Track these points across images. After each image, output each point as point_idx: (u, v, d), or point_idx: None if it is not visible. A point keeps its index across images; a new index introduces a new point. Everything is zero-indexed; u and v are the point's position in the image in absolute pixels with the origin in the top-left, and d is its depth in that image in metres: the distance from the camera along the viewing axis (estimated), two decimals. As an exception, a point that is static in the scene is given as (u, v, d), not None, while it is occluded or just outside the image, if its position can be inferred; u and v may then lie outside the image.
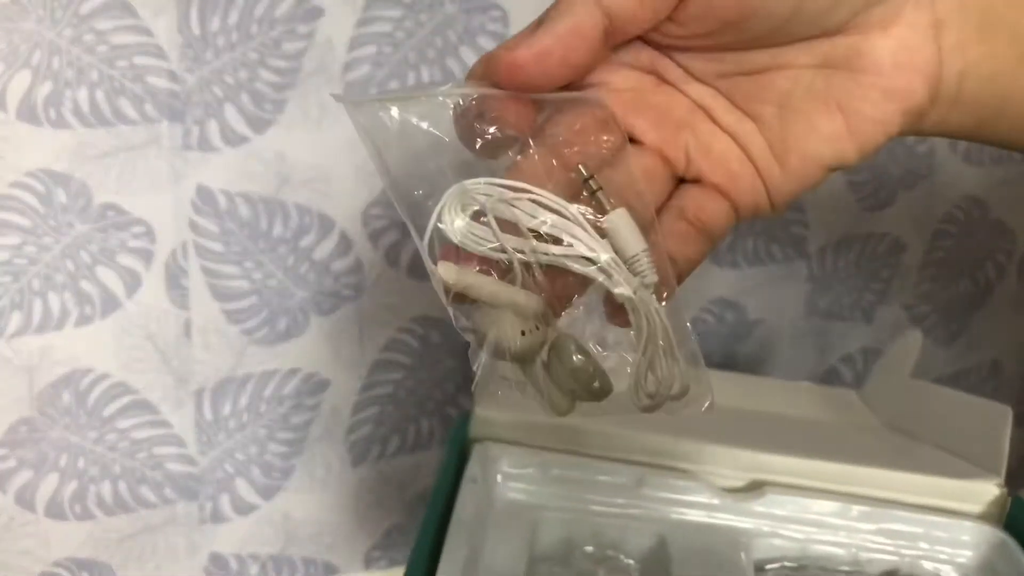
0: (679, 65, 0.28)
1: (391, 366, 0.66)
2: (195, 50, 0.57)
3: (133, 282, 0.59)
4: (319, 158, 0.61)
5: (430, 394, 0.67)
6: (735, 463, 0.48)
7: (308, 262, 0.63)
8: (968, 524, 0.46)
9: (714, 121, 0.28)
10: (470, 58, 0.63)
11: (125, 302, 0.59)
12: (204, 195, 0.60)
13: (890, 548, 0.47)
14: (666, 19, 0.26)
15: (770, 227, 0.72)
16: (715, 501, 0.47)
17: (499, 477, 0.47)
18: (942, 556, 0.46)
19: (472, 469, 0.46)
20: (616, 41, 0.26)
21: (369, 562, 0.69)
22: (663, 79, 0.28)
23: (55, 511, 0.61)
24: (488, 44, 0.63)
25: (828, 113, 0.27)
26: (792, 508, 0.47)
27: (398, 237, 0.64)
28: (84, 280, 0.58)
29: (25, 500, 0.60)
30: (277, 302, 0.62)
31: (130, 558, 0.63)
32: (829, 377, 0.76)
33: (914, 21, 0.26)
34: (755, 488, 0.48)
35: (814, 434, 0.56)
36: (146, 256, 0.59)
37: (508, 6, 0.63)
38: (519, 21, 0.63)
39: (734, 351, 0.73)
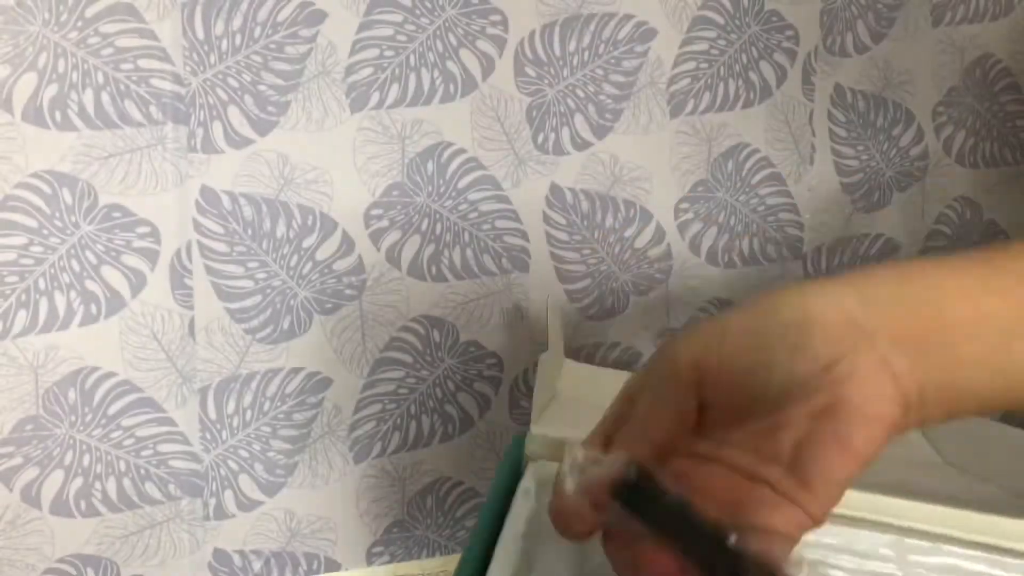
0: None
1: (392, 364, 0.67)
2: (199, 53, 0.58)
3: (138, 282, 0.60)
4: (321, 160, 0.62)
5: (431, 392, 0.68)
6: None
7: (311, 262, 0.63)
8: (1023, 563, 0.46)
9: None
10: (470, 61, 0.63)
11: (130, 301, 0.60)
12: (208, 196, 0.60)
13: None
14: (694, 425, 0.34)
15: (766, 228, 0.73)
16: None
17: None
18: None
19: (527, 482, 0.47)
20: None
21: (371, 558, 0.69)
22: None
23: (60, 508, 0.61)
24: (488, 48, 0.64)
25: (830, 446, 0.33)
26: (843, 538, 0.47)
27: (399, 237, 0.65)
28: (89, 280, 0.59)
29: (31, 497, 0.61)
30: (280, 301, 0.63)
31: (135, 554, 0.64)
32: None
33: (867, 364, 0.32)
34: None
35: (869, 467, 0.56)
36: (151, 256, 0.60)
37: (507, 10, 0.63)
38: (518, 24, 0.64)
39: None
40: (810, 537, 0.46)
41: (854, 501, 0.48)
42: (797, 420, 0.33)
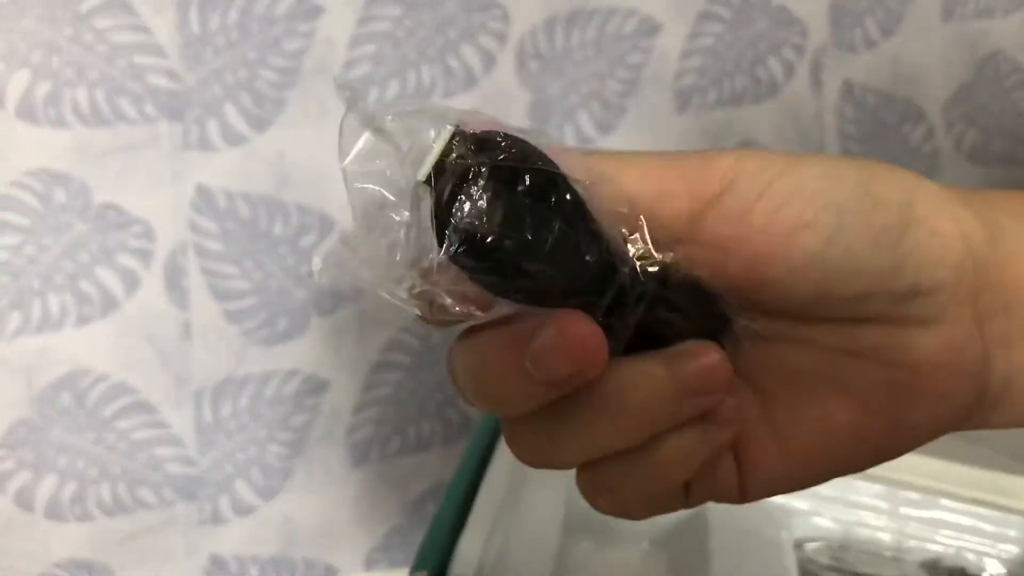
0: None
1: (392, 367, 0.66)
2: (195, 49, 0.57)
3: (132, 282, 0.59)
4: (319, 157, 0.61)
5: (431, 395, 0.67)
6: None
7: (308, 262, 0.62)
8: (1016, 519, 0.46)
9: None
10: (470, 56, 0.63)
11: (124, 302, 0.59)
12: (204, 194, 0.60)
13: (935, 537, 0.47)
14: None
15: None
16: None
17: None
18: (987, 549, 0.46)
19: None
20: None
21: (370, 563, 0.69)
22: None
23: (54, 512, 0.61)
24: (489, 43, 0.63)
25: (848, 407, 0.24)
26: (837, 489, 0.47)
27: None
28: (83, 280, 0.58)
29: (24, 501, 0.60)
30: (277, 302, 0.62)
31: (129, 559, 0.63)
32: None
33: (958, 316, 0.23)
34: None
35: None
36: (145, 256, 0.59)
37: (509, 5, 0.62)
38: (520, 19, 0.63)
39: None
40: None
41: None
42: (818, 343, 0.23)
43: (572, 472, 0.46)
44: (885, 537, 0.47)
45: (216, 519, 0.64)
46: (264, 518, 0.65)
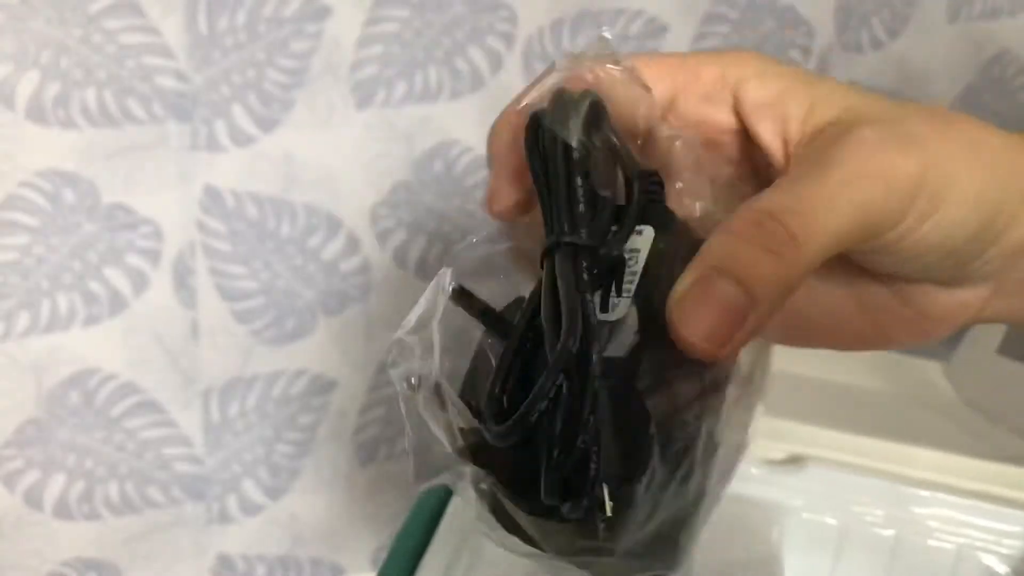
0: None
1: (398, 366, 0.66)
2: (203, 50, 0.57)
3: (141, 282, 0.59)
4: (327, 158, 0.61)
5: (437, 395, 0.67)
6: (776, 434, 0.45)
7: (316, 262, 0.62)
8: (1020, 513, 0.44)
9: None
10: (478, 58, 0.63)
11: (133, 302, 0.59)
12: (212, 195, 0.60)
13: (935, 533, 0.45)
14: None
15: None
16: (751, 471, 0.44)
17: None
18: (988, 545, 0.44)
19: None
20: None
21: (376, 562, 0.69)
22: None
23: (63, 511, 0.61)
24: (496, 44, 0.63)
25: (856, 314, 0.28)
26: (834, 485, 0.45)
27: (405, 237, 0.64)
28: (92, 280, 0.58)
29: (33, 500, 0.60)
30: (285, 302, 0.62)
31: (137, 558, 0.63)
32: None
33: (980, 290, 0.26)
34: (795, 461, 0.45)
35: (869, 409, 0.53)
36: (154, 256, 0.59)
37: (516, 6, 0.62)
38: (527, 20, 0.63)
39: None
40: (796, 483, 0.45)
41: (845, 444, 0.46)
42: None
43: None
44: (885, 534, 0.45)
45: (223, 518, 0.64)
46: (271, 517, 0.66)
